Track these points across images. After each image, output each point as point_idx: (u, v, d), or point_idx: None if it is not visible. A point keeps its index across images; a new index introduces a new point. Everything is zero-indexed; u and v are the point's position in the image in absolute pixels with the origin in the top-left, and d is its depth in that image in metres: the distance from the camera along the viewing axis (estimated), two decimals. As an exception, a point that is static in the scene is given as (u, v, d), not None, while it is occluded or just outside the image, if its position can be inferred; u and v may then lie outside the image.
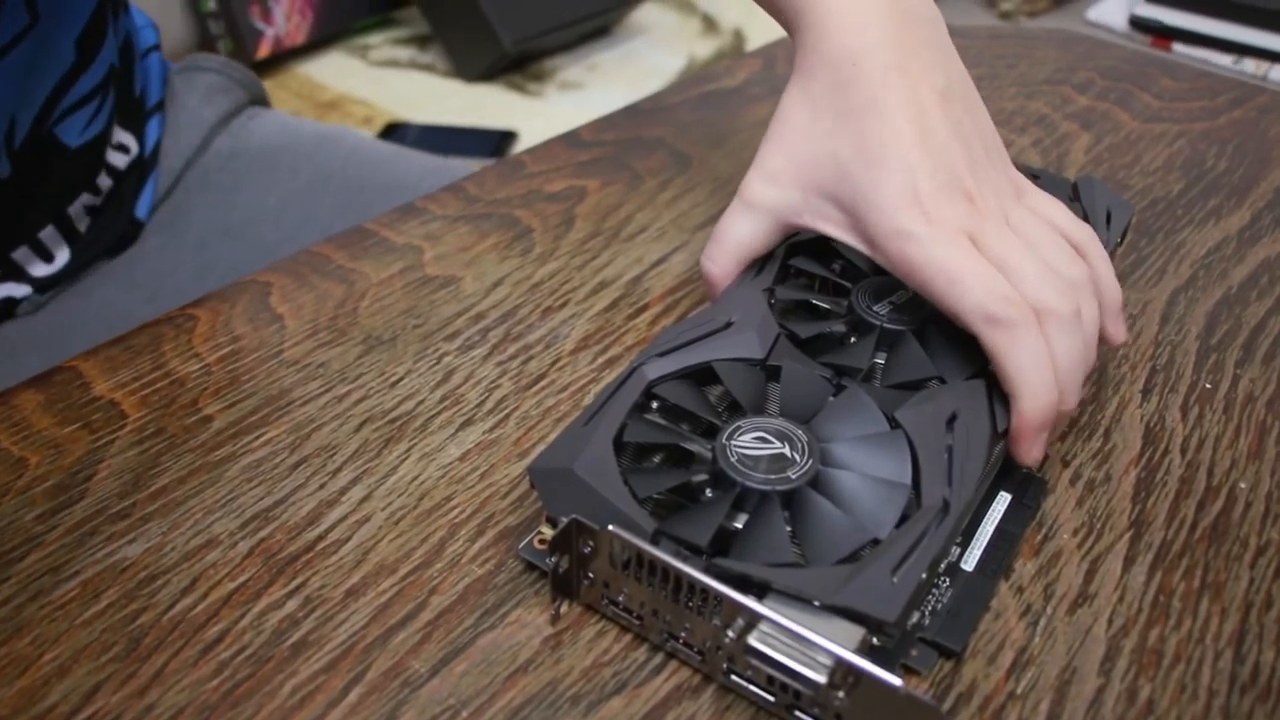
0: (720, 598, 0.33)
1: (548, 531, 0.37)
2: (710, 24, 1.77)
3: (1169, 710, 0.35)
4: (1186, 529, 0.41)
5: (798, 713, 0.33)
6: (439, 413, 0.46)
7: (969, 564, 0.38)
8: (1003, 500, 0.41)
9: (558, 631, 0.36)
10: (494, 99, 1.60)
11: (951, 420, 0.38)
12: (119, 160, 0.64)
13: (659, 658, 0.35)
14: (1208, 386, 0.48)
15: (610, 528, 0.34)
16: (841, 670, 0.31)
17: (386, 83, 1.62)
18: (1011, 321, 0.38)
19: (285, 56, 1.65)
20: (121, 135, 0.64)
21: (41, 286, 0.61)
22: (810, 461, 0.36)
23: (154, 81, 0.68)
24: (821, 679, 0.31)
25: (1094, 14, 1.99)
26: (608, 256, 0.56)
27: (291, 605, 0.37)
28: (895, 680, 0.30)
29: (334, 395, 0.47)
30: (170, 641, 0.36)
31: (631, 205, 0.60)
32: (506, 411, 0.46)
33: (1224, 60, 1.78)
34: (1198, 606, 0.38)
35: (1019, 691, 0.35)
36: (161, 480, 0.42)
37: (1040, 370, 0.38)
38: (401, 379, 0.47)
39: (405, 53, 1.70)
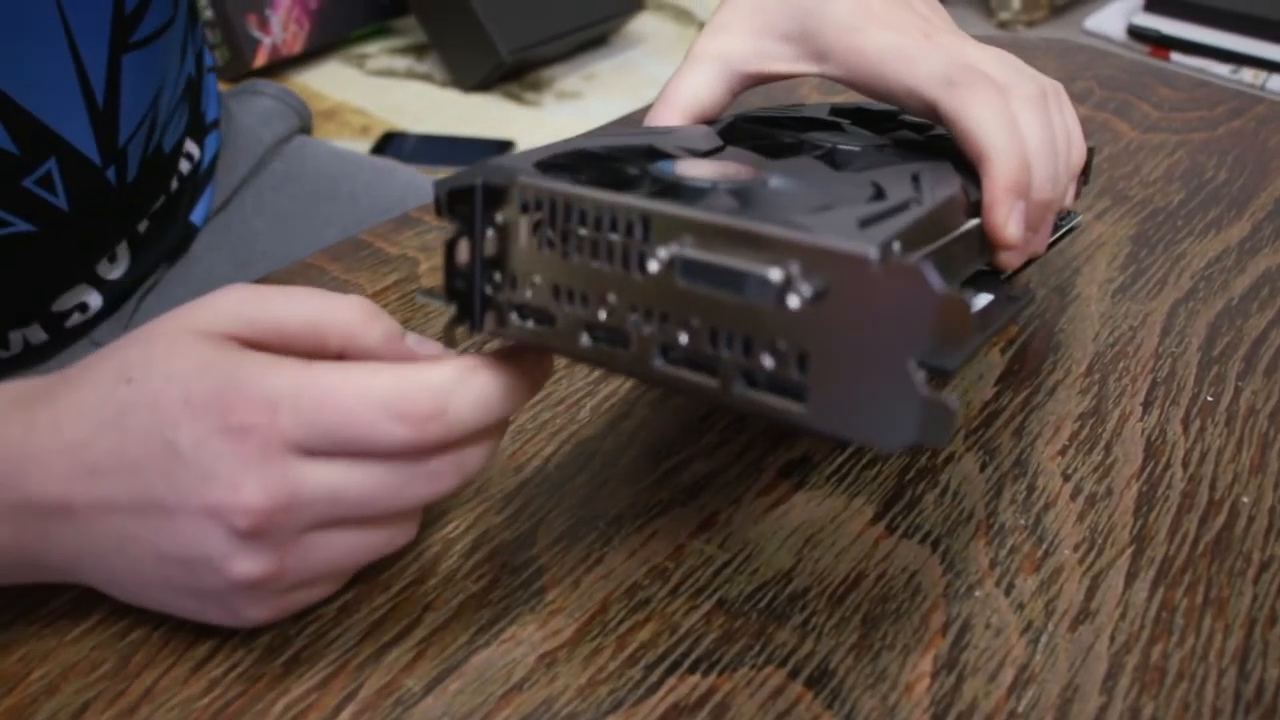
0: (649, 215, 0.28)
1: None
2: (708, 33, 1.77)
3: (1172, 729, 0.34)
4: (1189, 544, 0.41)
5: (750, 390, 0.28)
6: (434, 426, 0.45)
7: None
8: (983, 299, 0.37)
9: (553, 649, 0.36)
10: (492, 109, 1.60)
11: (915, 178, 0.35)
12: (186, 166, 0.65)
13: (656, 675, 0.35)
14: (1209, 399, 0.48)
15: (522, 177, 0.30)
16: (799, 255, 0.25)
17: (383, 92, 1.62)
18: (972, 81, 0.37)
19: (282, 65, 1.64)
20: (190, 145, 0.66)
21: (108, 291, 0.61)
22: (759, 175, 0.33)
23: (212, 100, 0.70)
24: (774, 275, 0.26)
25: (1092, 23, 1.99)
26: (604, 267, 0.56)
27: (283, 621, 0.36)
28: (869, 250, 0.25)
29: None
30: (161, 659, 0.35)
31: (628, 216, 0.60)
32: (502, 424, 0.45)
33: (1222, 70, 1.78)
34: (1201, 623, 0.37)
35: (1020, 710, 0.34)
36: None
37: (1006, 128, 0.36)
38: (396, 391, 0.47)
39: (402, 62, 1.70)
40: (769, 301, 0.26)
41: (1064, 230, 0.49)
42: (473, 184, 0.31)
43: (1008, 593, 0.38)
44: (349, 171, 0.74)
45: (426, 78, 1.67)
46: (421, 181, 0.75)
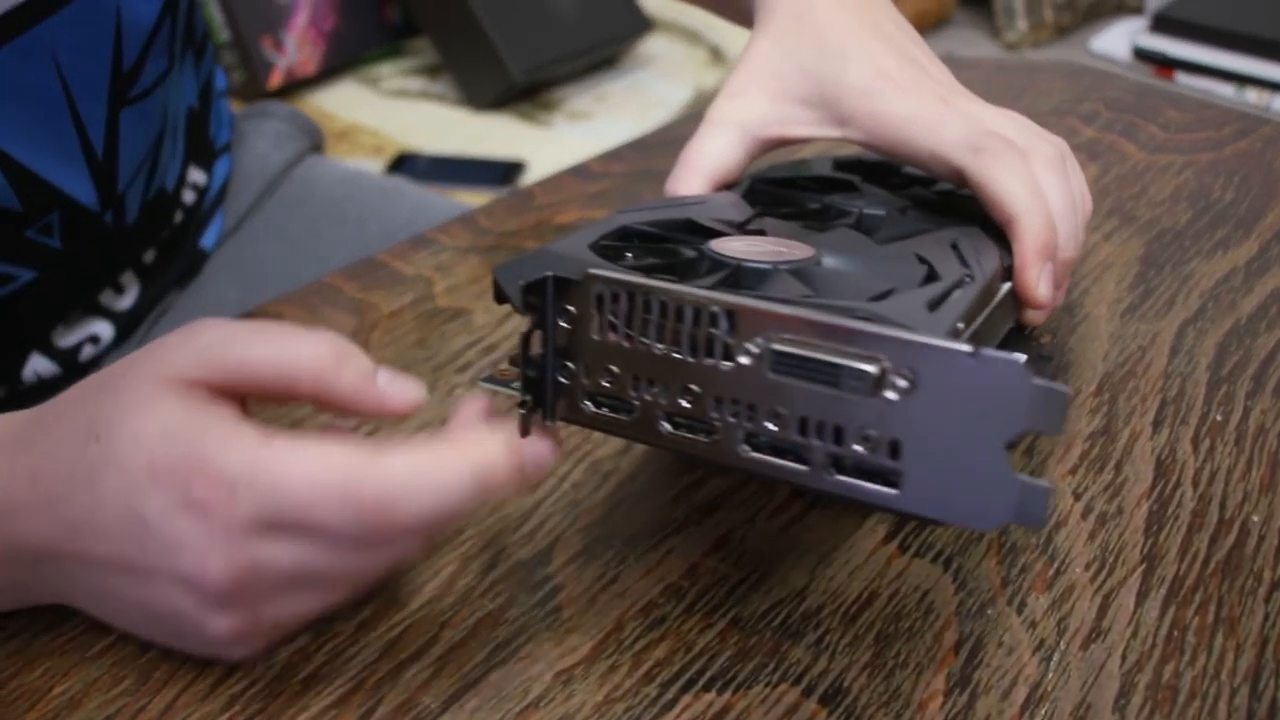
0: (735, 310, 0.28)
1: (513, 370, 0.34)
2: (717, 55, 1.78)
3: (1185, 747, 0.34)
4: (1200, 563, 0.41)
5: (837, 475, 0.28)
6: (450, 445, 0.46)
7: None
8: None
9: (569, 667, 0.36)
10: (503, 129, 1.61)
11: (954, 245, 0.37)
12: (190, 197, 0.66)
13: (671, 692, 0.35)
14: (1219, 418, 0.48)
15: (592, 270, 0.30)
16: (892, 349, 0.26)
17: (397, 113, 1.63)
18: (997, 149, 0.38)
19: (297, 87, 1.66)
20: (195, 173, 0.66)
21: (119, 321, 0.62)
22: (813, 252, 0.34)
23: (224, 124, 0.71)
24: (871, 368, 0.27)
25: (1097, 45, 2.00)
26: (617, 288, 0.56)
27: (303, 639, 0.37)
28: (964, 347, 0.26)
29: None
30: (181, 674, 0.36)
31: (641, 237, 0.61)
32: (517, 444, 0.46)
33: (1226, 90, 1.79)
34: (1212, 642, 0.38)
35: (1033, 728, 0.35)
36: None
37: (1032, 191, 0.37)
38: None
39: (416, 83, 1.72)
40: (864, 394, 0.27)
41: None
42: (543, 277, 0.31)
43: (1019, 611, 0.38)
44: (358, 194, 0.74)
45: (440, 98, 1.68)
46: (430, 202, 0.76)
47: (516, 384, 0.33)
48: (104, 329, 0.61)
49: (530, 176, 1.50)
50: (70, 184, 0.52)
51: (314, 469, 0.31)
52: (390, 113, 1.64)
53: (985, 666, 0.36)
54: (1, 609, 0.37)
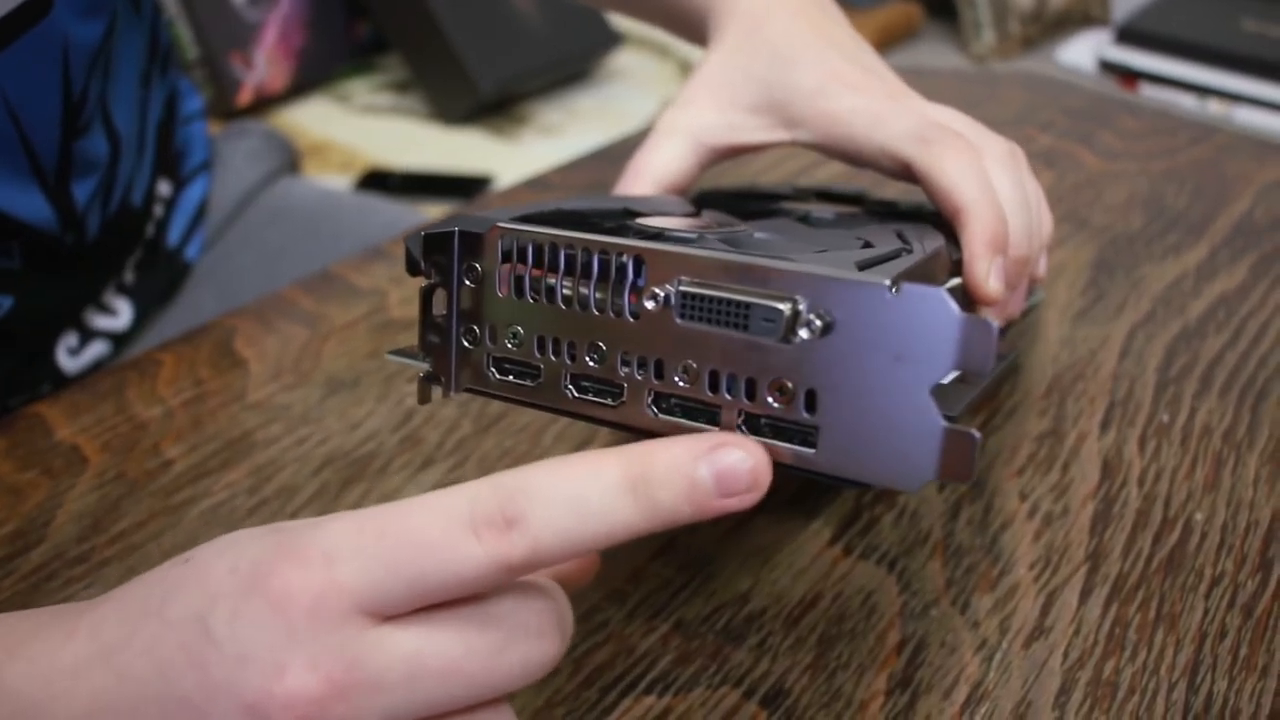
0: (645, 255, 0.27)
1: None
2: (687, 69, 1.79)
3: (1123, 743, 0.35)
4: (1143, 561, 0.41)
5: (751, 434, 0.27)
6: (399, 454, 0.46)
7: None
8: None
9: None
10: (473, 144, 1.61)
11: (899, 235, 0.35)
12: (159, 210, 0.66)
13: (611, 696, 0.35)
14: (1165, 419, 0.49)
15: (500, 222, 0.29)
16: (806, 288, 0.25)
17: (366, 128, 1.64)
18: (945, 139, 0.37)
19: (267, 103, 1.66)
20: (162, 186, 0.67)
21: (119, 343, 0.63)
22: (745, 225, 0.33)
23: (198, 143, 0.71)
24: (784, 306, 0.25)
25: (1063, 57, 2.02)
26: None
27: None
28: (883, 280, 0.24)
29: (295, 438, 0.47)
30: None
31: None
32: (466, 453, 0.46)
33: (1189, 101, 1.81)
34: (1153, 638, 0.38)
35: (973, 726, 0.35)
36: (120, 524, 0.42)
37: (981, 182, 0.36)
38: (362, 421, 0.47)
39: (386, 98, 1.72)
40: (776, 336, 0.25)
41: (1028, 305, 0.49)
42: (449, 231, 0.30)
43: (963, 611, 0.39)
44: (333, 210, 0.75)
45: (410, 113, 1.68)
46: (404, 218, 0.76)
47: (421, 355, 0.31)
48: (105, 350, 0.62)
49: (497, 189, 1.50)
50: (27, 211, 0.52)
51: (430, 502, 0.25)
52: (360, 128, 1.64)
53: (927, 666, 0.37)
54: None
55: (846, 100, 0.41)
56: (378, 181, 1.49)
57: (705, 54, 0.46)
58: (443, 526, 0.24)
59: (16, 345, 0.56)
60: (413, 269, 0.31)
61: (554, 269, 0.29)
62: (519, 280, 0.29)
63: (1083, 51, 2.01)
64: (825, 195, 0.48)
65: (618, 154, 0.72)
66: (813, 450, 0.26)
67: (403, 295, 0.56)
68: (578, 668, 0.36)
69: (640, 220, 0.34)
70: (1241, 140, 0.75)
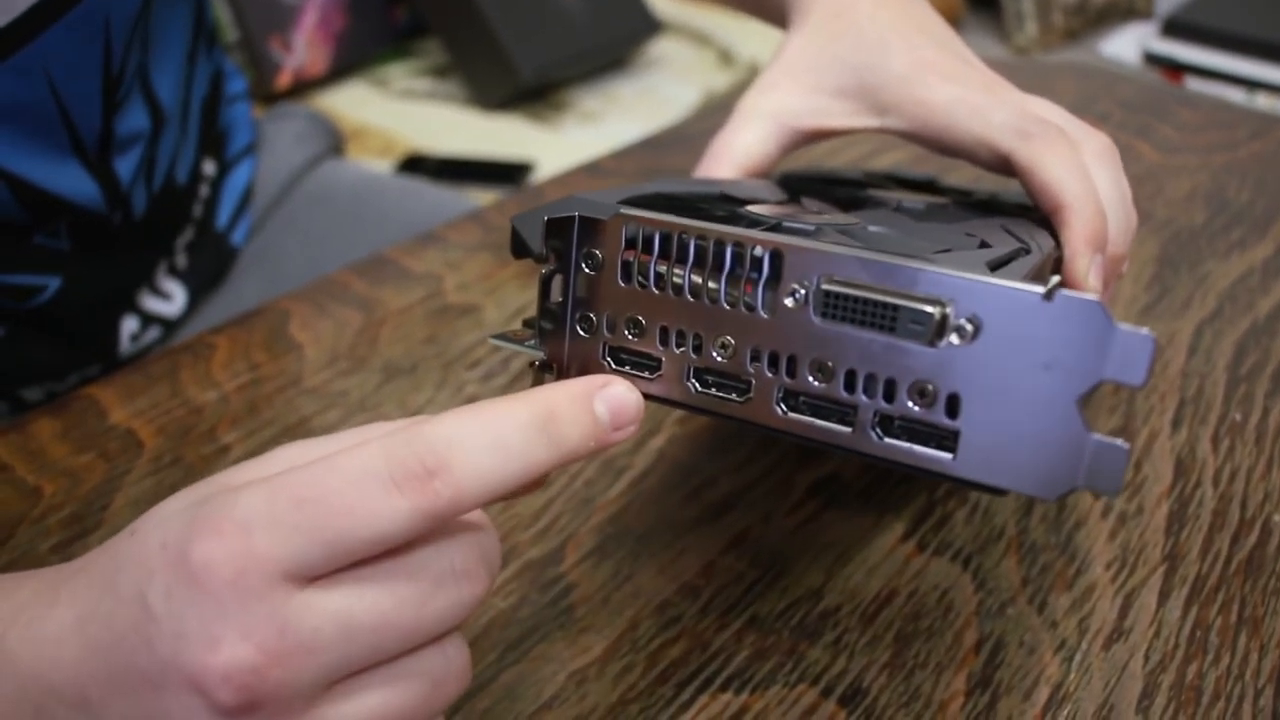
0: (782, 250, 0.26)
1: (526, 332, 0.31)
2: (726, 57, 1.78)
3: (1209, 749, 0.34)
4: (1221, 562, 0.40)
5: (888, 439, 0.26)
6: (461, 442, 0.45)
7: None
8: None
9: (583, 667, 0.36)
10: (512, 129, 1.60)
11: (1007, 230, 0.35)
12: (205, 190, 0.66)
13: (687, 693, 0.35)
14: (1237, 418, 0.47)
15: (623, 209, 0.28)
16: (955, 291, 0.24)
17: (405, 113, 1.63)
18: (1046, 134, 0.36)
19: (305, 87, 1.66)
20: (207, 165, 0.66)
21: (167, 327, 0.63)
22: (857, 219, 0.32)
23: (243, 125, 0.70)
24: (933, 310, 0.24)
25: (1107, 49, 1.99)
26: (629, 286, 0.56)
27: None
28: (1036, 288, 0.23)
29: (353, 425, 0.46)
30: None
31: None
32: (529, 441, 0.45)
33: (1236, 95, 1.78)
34: (1236, 642, 0.37)
35: (1055, 729, 0.34)
36: (181, 509, 0.42)
37: (1082, 179, 0.36)
38: (422, 408, 0.47)
39: (424, 83, 1.71)
40: (924, 339, 0.25)
41: None
42: (569, 216, 0.29)
43: (1040, 611, 0.38)
44: (377, 193, 0.75)
45: (449, 98, 1.67)
46: (448, 202, 0.76)
47: (531, 343, 0.30)
48: (156, 335, 0.62)
49: (539, 177, 1.49)
50: (72, 188, 0.52)
51: (343, 461, 0.25)
52: (399, 113, 1.63)
53: (1006, 666, 0.36)
54: None
55: (943, 90, 0.39)
56: (417, 167, 1.49)
57: (786, 37, 0.45)
58: (360, 488, 0.24)
59: (66, 326, 0.56)
60: (518, 251, 0.30)
61: (681, 259, 0.28)
62: (643, 269, 0.28)
63: (1127, 44, 1.99)
64: (897, 180, 0.47)
65: (667, 142, 0.71)
66: (950, 455, 0.26)
67: (458, 281, 0.56)
68: (652, 662, 0.36)
69: (751, 208, 0.32)
70: (1306, 134, 0.74)
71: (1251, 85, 1.78)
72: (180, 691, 0.24)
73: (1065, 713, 0.34)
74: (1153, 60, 1.90)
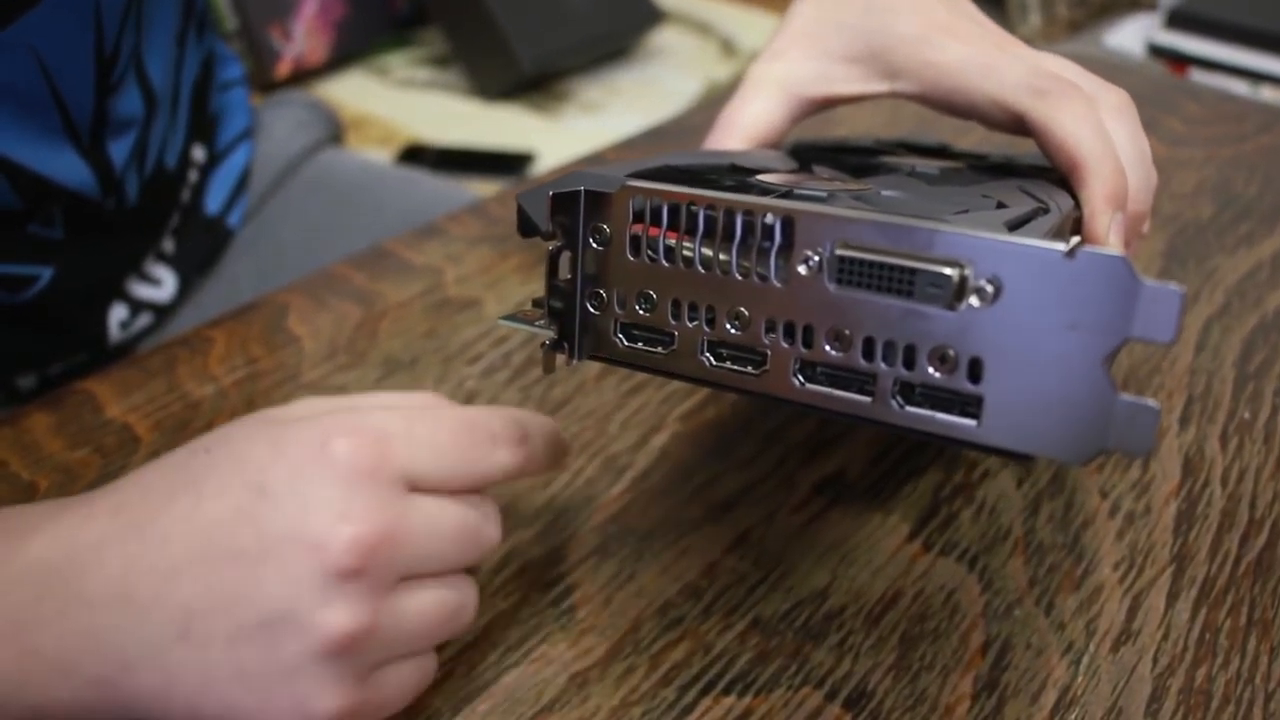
0: (794, 216, 0.25)
1: (536, 311, 0.31)
2: (728, 47, 1.77)
3: (1219, 755, 0.33)
4: (1230, 563, 0.40)
5: (909, 407, 0.25)
6: (460, 438, 0.45)
7: None
8: None
9: (584, 669, 0.35)
10: (513, 120, 1.60)
11: (1024, 191, 0.34)
12: (194, 175, 0.65)
13: (690, 696, 0.34)
14: (1246, 416, 0.47)
15: (630, 181, 0.28)
16: (973, 252, 0.23)
17: (406, 103, 1.62)
18: (1061, 91, 0.35)
19: (305, 76, 1.65)
20: (197, 151, 0.66)
21: (159, 313, 0.62)
22: (870, 185, 0.31)
23: (239, 110, 0.70)
24: (951, 271, 0.24)
25: (1111, 41, 1.98)
26: (631, 279, 0.55)
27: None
28: (1059, 245, 0.23)
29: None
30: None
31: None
32: (530, 437, 0.45)
33: (1241, 88, 1.77)
34: (1245, 644, 0.37)
35: (1063, 733, 0.34)
36: (177, 505, 0.41)
37: (1100, 135, 0.35)
38: (422, 403, 0.46)
39: (425, 73, 1.71)
40: (943, 302, 0.24)
41: None
42: (574, 191, 0.28)
43: (1048, 612, 0.37)
44: (376, 182, 0.74)
45: (449, 88, 1.67)
46: (447, 192, 0.75)
47: (541, 322, 0.30)
48: (148, 322, 0.61)
49: (540, 168, 1.48)
50: (66, 174, 0.51)
51: (464, 416, 0.32)
52: (399, 103, 1.63)
53: (1013, 669, 0.35)
54: None
55: (953, 50, 0.38)
56: (417, 157, 1.48)
57: (793, 4, 0.45)
58: (482, 433, 0.32)
59: (55, 316, 0.55)
60: (525, 229, 0.30)
61: (690, 231, 0.27)
62: (652, 242, 0.28)
63: (1131, 36, 1.98)
64: (909, 147, 0.47)
65: (670, 132, 0.70)
66: (975, 422, 0.25)
67: (459, 274, 0.55)
68: (654, 665, 0.35)
69: (761, 177, 0.32)
70: (1314, 127, 0.73)
71: (1257, 78, 1.77)
72: (292, 558, 0.28)
73: (1073, 717, 0.34)
74: (1157, 52, 1.88)
